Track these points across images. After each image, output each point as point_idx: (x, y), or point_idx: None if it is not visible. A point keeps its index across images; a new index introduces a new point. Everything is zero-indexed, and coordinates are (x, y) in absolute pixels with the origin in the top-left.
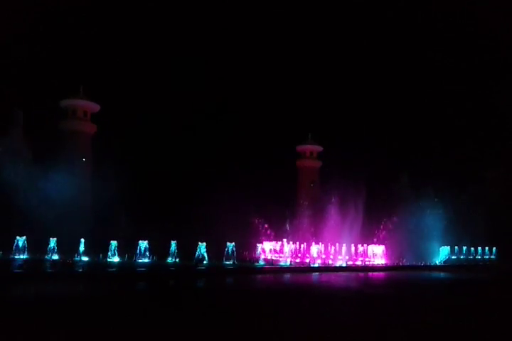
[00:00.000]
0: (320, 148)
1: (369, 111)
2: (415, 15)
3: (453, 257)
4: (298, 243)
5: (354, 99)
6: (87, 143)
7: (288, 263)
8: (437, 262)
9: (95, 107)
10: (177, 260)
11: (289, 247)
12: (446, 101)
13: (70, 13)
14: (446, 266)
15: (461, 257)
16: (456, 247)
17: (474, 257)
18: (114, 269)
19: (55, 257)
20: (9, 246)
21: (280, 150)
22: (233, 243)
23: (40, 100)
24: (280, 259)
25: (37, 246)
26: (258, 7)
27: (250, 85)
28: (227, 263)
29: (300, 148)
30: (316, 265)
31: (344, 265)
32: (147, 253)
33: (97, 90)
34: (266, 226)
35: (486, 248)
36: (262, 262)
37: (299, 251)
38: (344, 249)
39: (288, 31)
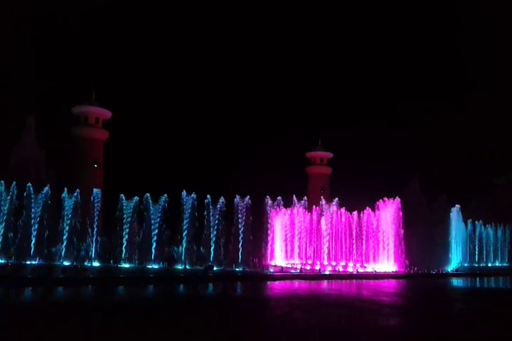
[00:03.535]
0: (330, 155)
1: (379, 118)
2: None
3: (465, 264)
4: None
5: (364, 106)
6: (99, 149)
7: (298, 270)
8: (449, 270)
9: (107, 114)
10: (187, 266)
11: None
12: (454, 107)
13: (84, 22)
14: (462, 274)
15: (475, 265)
16: (469, 221)
17: (486, 264)
18: (124, 275)
19: (67, 263)
20: (23, 252)
21: (290, 156)
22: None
23: (53, 106)
24: (291, 266)
25: (49, 252)
26: (270, 13)
27: (262, 93)
28: (237, 269)
29: (310, 154)
30: (327, 272)
31: (355, 272)
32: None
33: (109, 97)
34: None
35: (499, 228)
36: (272, 269)
37: (310, 256)
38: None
39: (301, 40)
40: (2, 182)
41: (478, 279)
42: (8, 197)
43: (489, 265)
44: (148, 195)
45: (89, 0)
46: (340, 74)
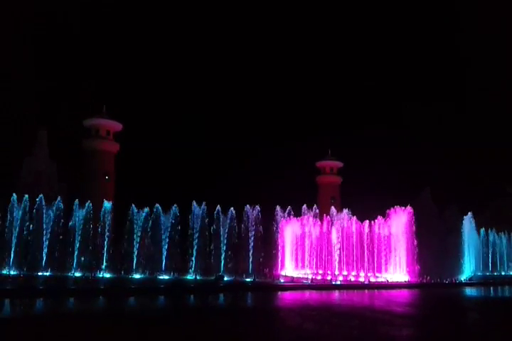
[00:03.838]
0: (340, 164)
1: (389, 128)
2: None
3: (478, 273)
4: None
5: (373, 113)
6: (110, 161)
7: (309, 280)
8: (463, 279)
9: (118, 126)
10: (197, 277)
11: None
12: (466, 118)
13: (83, 21)
14: (475, 283)
15: (487, 273)
16: (482, 230)
17: (500, 273)
18: (135, 286)
19: (78, 274)
20: (35, 264)
21: (300, 166)
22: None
23: (64, 120)
24: (302, 276)
25: (60, 263)
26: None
27: (272, 103)
28: (247, 280)
29: (320, 164)
30: (338, 282)
31: (367, 282)
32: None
33: (120, 109)
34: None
35: None
36: (282, 279)
37: (321, 266)
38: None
39: (302, 42)
40: (14, 195)
41: (492, 288)
42: (21, 210)
43: (503, 274)
44: (158, 205)
45: (89, 0)
46: (349, 84)
